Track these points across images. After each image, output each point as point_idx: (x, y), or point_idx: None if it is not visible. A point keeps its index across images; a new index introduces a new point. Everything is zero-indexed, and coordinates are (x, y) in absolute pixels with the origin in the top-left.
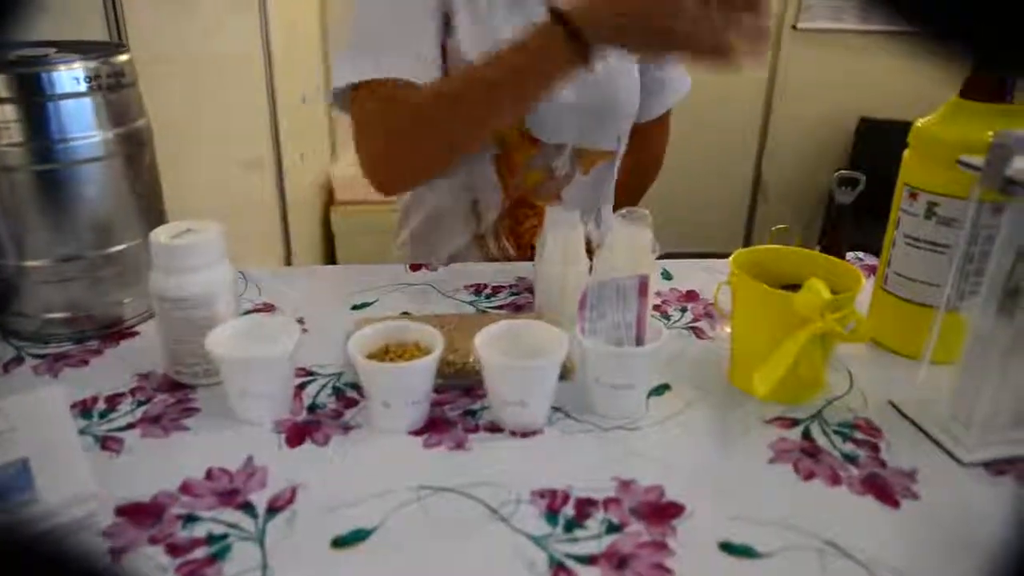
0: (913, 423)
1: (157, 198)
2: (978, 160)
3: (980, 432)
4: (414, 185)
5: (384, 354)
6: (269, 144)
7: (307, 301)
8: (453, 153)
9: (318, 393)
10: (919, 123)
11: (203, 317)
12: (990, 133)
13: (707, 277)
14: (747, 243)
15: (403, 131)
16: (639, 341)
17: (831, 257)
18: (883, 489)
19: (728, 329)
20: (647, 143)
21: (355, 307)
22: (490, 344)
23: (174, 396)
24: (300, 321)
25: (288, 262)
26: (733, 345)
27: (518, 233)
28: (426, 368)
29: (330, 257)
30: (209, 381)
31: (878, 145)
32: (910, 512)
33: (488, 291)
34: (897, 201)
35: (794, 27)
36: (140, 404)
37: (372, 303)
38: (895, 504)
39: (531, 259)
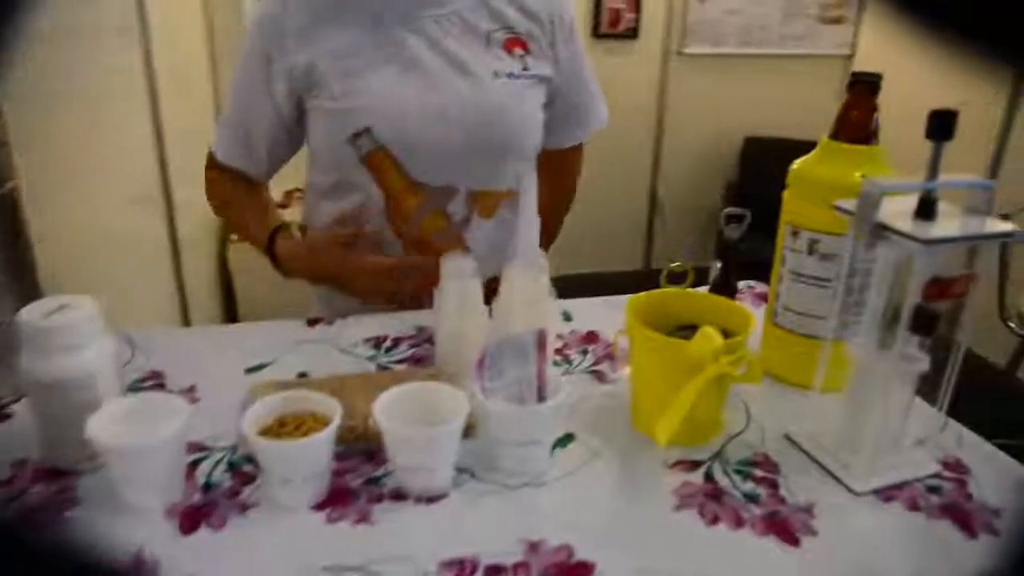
0: (808, 455)
1: (28, 269)
2: (851, 204)
3: (868, 461)
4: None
5: (280, 427)
6: (157, 180)
7: (199, 366)
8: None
9: (212, 471)
10: (796, 165)
11: (82, 400)
12: (858, 175)
13: (607, 315)
14: (647, 258)
15: (215, 206)
16: (540, 396)
17: (722, 299)
18: (783, 527)
19: (626, 372)
20: (563, 171)
21: (250, 370)
22: (390, 411)
23: (54, 485)
24: (191, 389)
25: (183, 305)
26: (633, 391)
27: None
28: (324, 442)
29: (227, 296)
30: (93, 466)
31: (762, 161)
32: (810, 548)
33: (388, 344)
34: (781, 239)
35: (679, 52)
36: (12, 498)
37: (268, 364)
38: (795, 543)
39: None
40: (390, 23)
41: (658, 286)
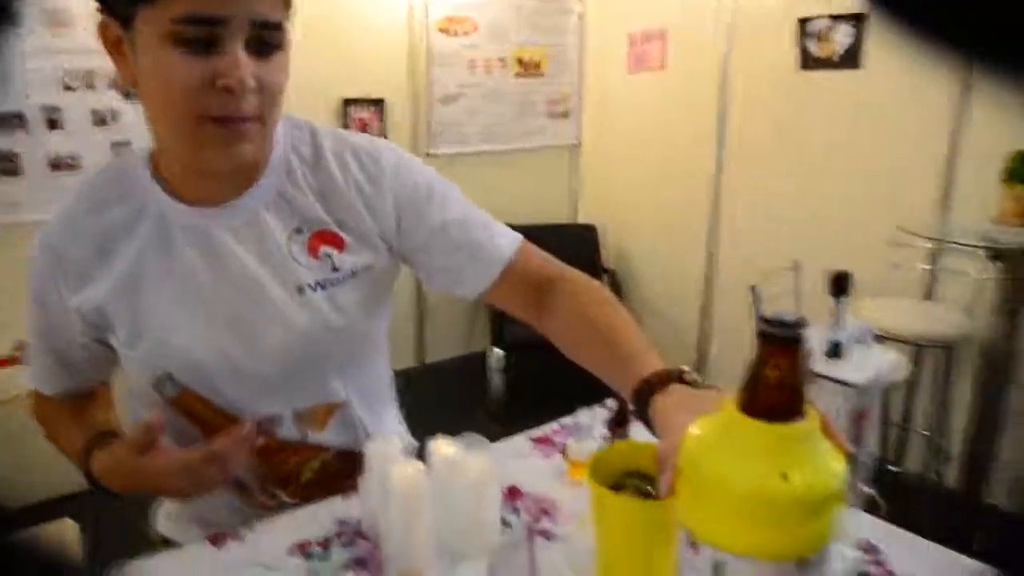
0: None
1: None
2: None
3: None
4: None
5: None
6: None
7: None
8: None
9: None
10: (690, 440)
11: None
12: (780, 474)
13: (515, 464)
14: (420, 352)
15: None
16: None
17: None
18: None
19: (572, 528)
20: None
21: None
22: None
23: None
24: None
25: None
26: (601, 559)
27: (284, 477)
28: None
29: None
30: None
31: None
32: None
33: (318, 549)
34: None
35: (428, 154)
36: None
37: None
38: None
39: (314, 496)
40: (180, 241)
41: (437, 378)
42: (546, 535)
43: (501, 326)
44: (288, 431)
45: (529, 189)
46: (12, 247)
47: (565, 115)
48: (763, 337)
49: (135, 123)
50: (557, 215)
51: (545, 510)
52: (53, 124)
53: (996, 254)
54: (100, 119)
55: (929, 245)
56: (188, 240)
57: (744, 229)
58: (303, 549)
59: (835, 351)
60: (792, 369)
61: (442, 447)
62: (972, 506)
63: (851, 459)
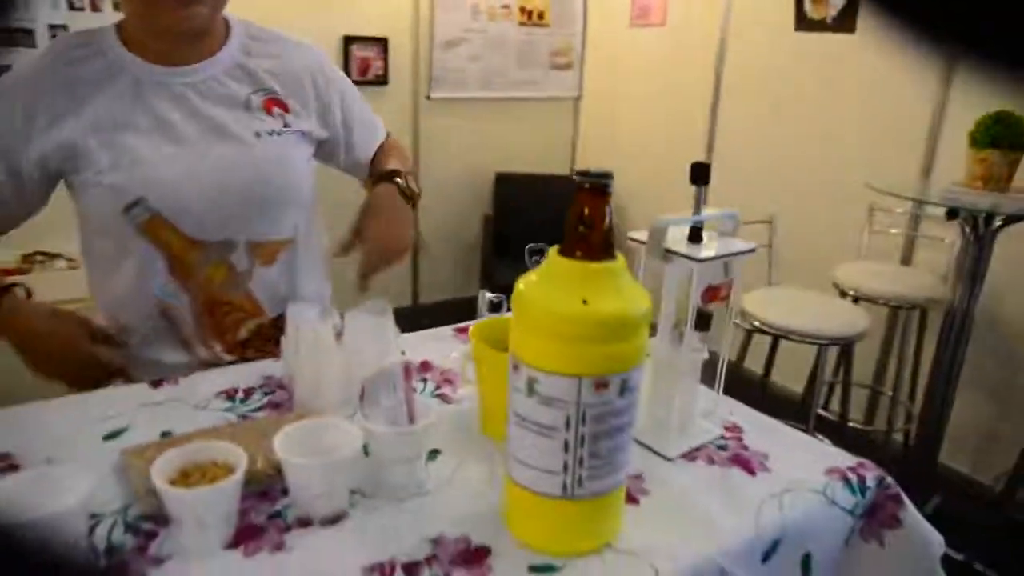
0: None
1: None
2: (642, 235)
3: (674, 434)
4: None
5: (186, 478)
6: None
7: (49, 441)
8: None
9: (110, 533)
10: (520, 283)
11: None
12: (582, 301)
13: (436, 346)
14: (415, 294)
15: None
16: (412, 418)
17: None
18: (627, 493)
19: (464, 391)
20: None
21: (108, 436)
22: (287, 447)
23: None
24: (49, 463)
25: None
26: (482, 403)
27: (223, 331)
28: (237, 483)
29: None
30: None
31: (513, 194)
32: (646, 503)
33: (240, 395)
34: None
35: (427, 97)
36: None
37: (125, 429)
38: (635, 501)
39: (249, 356)
40: (149, 94)
41: (429, 318)
42: (445, 399)
43: (491, 270)
44: (240, 260)
45: (528, 139)
46: None
47: (568, 67)
48: (577, 187)
49: None
50: (556, 166)
51: (448, 380)
52: None
53: (956, 216)
54: None
55: (899, 209)
56: (158, 94)
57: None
58: (229, 394)
59: (695, 236)
60: (599, 214)
61: (354, 314)
62: (927, 465)
63: (706, 317)
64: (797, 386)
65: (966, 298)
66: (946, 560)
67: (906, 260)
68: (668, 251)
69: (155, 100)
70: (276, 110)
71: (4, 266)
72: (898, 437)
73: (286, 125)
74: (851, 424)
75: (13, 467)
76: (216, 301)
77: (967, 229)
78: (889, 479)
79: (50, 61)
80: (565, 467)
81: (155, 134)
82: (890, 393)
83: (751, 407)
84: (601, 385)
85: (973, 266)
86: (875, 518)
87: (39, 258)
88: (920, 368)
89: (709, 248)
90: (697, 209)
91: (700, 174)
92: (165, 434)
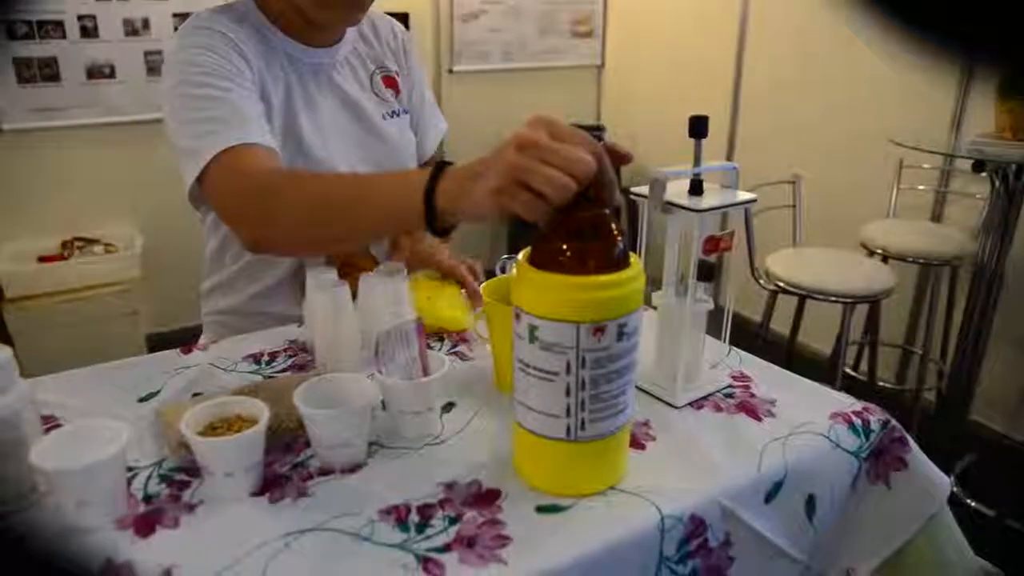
0: (637, 387)
1: None
2: (644, 190)
3: (680, 383)
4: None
5: (213, 431)
6: None
7: (88, 404)
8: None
9: (146, 485)
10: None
11: (10, 440)
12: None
13: None
14: None
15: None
16: (425, 372)
17: None
18: (633, 439)
19: (486, 348)
20: None
21: (142, 399)
22: (307, 400)
23: None
24: None
25: None
26: (496, 358)
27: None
28: (261, 433)
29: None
30: (28, 502)
31: None
32: (653, 449)
33: (266, 358)
34: None
35: (450, 71)
36: None
37: (158, 391)
38: (642, 447)
39: None
40: (302, 74)
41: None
42: (461, 356)
43: (517, 240)
44: None
45: (551, 108)
46: (57, 149)
47: (589, 35)
48: None
49: (166, 33)
50: None
51: (464, 339)
52: (86, 32)
53: (983, 169)
54: (132, 29)
55: (927, 165)
56: (311, 74)
57: (758, 144)
58: (256, 358)
59: (696, 188)
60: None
61: (367, 277)
62: (957, 423)
63: (709, 268)
64: (826, 347)
65: (996, 252)
66: (978, 516)
67: (936, 217)
68: (668, 203)
69: (312, 84)
70: (390, 90)
71: (44, 252)
72: (929, 396)
73: (400, 103)
74: (881, 383)
75: (58, 426)
76: (346, 260)
77: (996, 182)
78: (894, 421)
79: (220, 32)
80: (568, 410)
81: (306, 112)
82: (920, 352)
83: None
84: (599, 330)
85: (1003, 219)
86: (881, 460)
87: (78, 243)
88: (951, 326)
89: (710, 199)
90: (697, 162)
91: (698, 128)
92: (196, 395)
